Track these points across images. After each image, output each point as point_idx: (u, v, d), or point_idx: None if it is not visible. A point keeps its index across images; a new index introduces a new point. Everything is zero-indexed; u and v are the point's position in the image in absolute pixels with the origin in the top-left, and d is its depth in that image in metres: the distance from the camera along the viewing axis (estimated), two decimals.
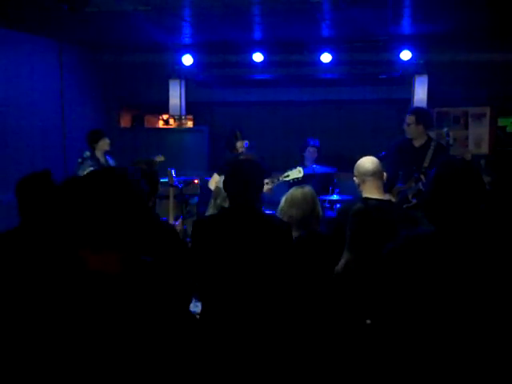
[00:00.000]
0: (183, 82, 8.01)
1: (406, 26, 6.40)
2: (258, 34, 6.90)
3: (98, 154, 6.25)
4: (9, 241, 2.56)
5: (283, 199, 3.32)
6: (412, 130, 5.26)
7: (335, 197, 6.07)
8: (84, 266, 1.62)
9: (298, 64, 7.47)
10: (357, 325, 2.66)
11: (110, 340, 1.59)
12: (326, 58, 7.15)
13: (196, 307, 4.54)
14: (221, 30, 6.40)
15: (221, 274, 2.69)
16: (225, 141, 6.01)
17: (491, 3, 5.20)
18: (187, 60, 7.53)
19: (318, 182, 6.13)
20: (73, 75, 7.26)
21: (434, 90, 7.24)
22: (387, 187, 3.60)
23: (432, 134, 5.56)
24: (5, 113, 6.01)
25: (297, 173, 5.25)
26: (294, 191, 3.30)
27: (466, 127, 7.30)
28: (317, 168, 6.15)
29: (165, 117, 7.97)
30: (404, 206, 5.00)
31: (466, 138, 7.31)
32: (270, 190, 5.27)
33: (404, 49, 7.03)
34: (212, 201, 4.83)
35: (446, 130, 5.39)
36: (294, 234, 2.89)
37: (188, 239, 6.09)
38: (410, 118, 5.28)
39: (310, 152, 6.52)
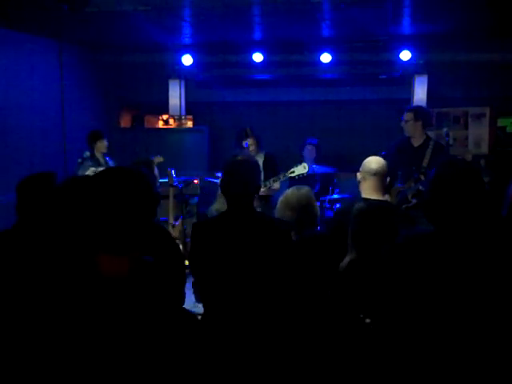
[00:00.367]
0: (183, 82, 8.01)
1: (406, 26, 6.40)
2: (257, 34, 6.90)
3: (98, 154, 6.26)
4: (7, 240, 2.55)
5: (279, 201, 3.31)
6: (410, 126, 5.24)
7: (335, 197, 6.08)
8: (96, 270, 1.60)
9: (298, 64, 7.47)
10: (357, 324, 2.66)
11: (118, 343, 1.58)
12: (325, 58, 7.16)
13: (196, 307, 4.55)
14: (221, 30, 6.40)
15: (221, 277, 2.69)
16: (234, 138, 5.99)
17: (491, 3, 5.20)
18: (187, 60, 7.53)
19: (318, 182, 6.13)
20: (73, 75, 7.26)
21: (434, 90, 7.24)
22: (386, 188, 3.61)
23: (432, 134, 5.56)
24: (5, 113, 6.01)
25: (302, 168, 5.25)
26: (289, 193, 3.26)
27: (466, 127, 7.30)
28: (317, 168, 6.15)
29: (165, 117, 7.97)
30: (404, 206, 5.00)
31: (466, 138, 7.31)
32: (278, 187, 5.29)
33: (404, 49, 7.03)
34: (220, 199, 4.83)
35: (445, 130, 5.38)
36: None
37: (188, 239, 6.12)
38: (408, 115, 5.26)
39: (308, 150, 6.51)
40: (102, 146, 6.26)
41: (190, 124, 7.98)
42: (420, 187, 4.92)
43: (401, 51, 7.04)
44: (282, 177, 5.22)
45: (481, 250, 1.99)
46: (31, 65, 6.47)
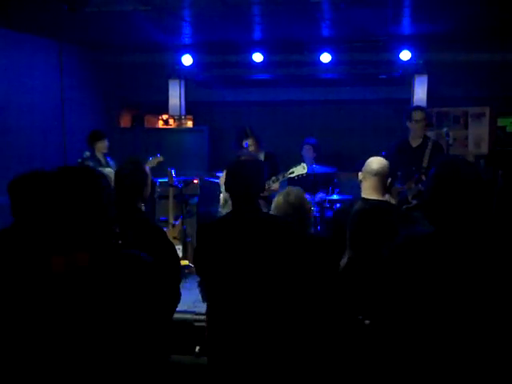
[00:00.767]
0: (183, 82, 8.01)
1: (406, 25, 6.40)
2: (257, 34, 6.90)
3: (98, 154, 6.26)
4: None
5: (272, 206, 3.29)
6: (421, 127, 5.22)
7: (335, 196, 6.08)
8: (50, 268, 1.62)
9: (297, 64, 7.46)
10: (356, 324, 2.66)
11: (76, 339, 1.60)
12: (325, 57, 7.15)
13: (195, 307, 4.55)
14: (221, 30, 6.40)
15: (227, 276, 2.69)
16: (234, 138, 5.99)
17: (491, 3, 5.20)
18: (187, 60, 7.53)
19: (318, 182, 6.13)
20: (73, 75, 7.26)
21: (434, 90, 7.24)
22: (387, 188, 3.61)
23: (432, 134, 5.56)
24: (5, 113, 6.01)
25: (301, 169, 5.24)
26: (278, 196, 3.26)
27: (466, 127, 7.30)
28: (317, 168, 6.15)
29: (165, 117, 7.97)
30: (404, 207, 5.00)
31: (466, 138, 7.31)
32: (277, 188, 5.28)
33: (404, 49, 7.03)
34: (223, 202, 4.84)
35: (445, 129, 5.38)
36: None
37: (188, 239, 6.13)
38: (419, 114, 5.21)
39: (306, 149, 6.51)
40: (102, 145, 6.26)
41: (189, 124, 7.98)
42: (420, 187, 4.92)
43: (401, 51, 7.04)
44: (281, 177, 5.21)
45: (481, 250, 1.99)
46: (31, 65, 6.47)
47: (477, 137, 7.28)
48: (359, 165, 3.55)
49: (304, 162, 6.52)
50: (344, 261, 2.85)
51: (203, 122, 7.99)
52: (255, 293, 2.64)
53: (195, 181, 6.46)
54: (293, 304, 2.71)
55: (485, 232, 2.03)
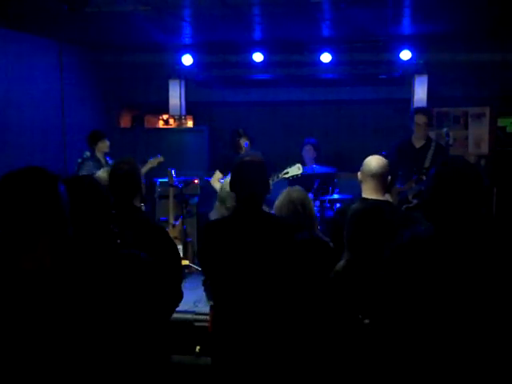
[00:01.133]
0: (183, 82, 8.01)
1: (406, 25, 6.40)
2: (258, 34, 6.89)
3: (98, 154, 6.26)
4: None
5: (274, 206, 3.28)
6: (423, 129, 5.23)
7: (335, 196, 6.07)
8: (16, 266, 1.62)
9: (298, 64, 7.46)
10: (356, 324, 2.66)
11: (45, 337, 1.60)
12: (326, 58, 7.15)
13: (196, 307, 4.55)
14: (221, 30, 6.40)
15: (232, 276, 2.70)
16: (228, 139, 6.01)
17: (491, 3, 5.20)
18: (187, 60, 7.53)
19: (317, 182, 6.13)
20: (73, 75, 7.26)
21: (434, 90, 7.24)
22: (387, 188, 3.60)
23: (432, 134, 5.56)
24: (5, 112, 6.02)
25: (296, 169, 5.21)
26: (281, 196, 3.25)
27: (466, 127, 7.30)
28: (317, 168, 6.15)
29: (165, 117, 7.97)
30: (404, 207, 5.00)
31: (466, 138, 7.31)
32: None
33: (404, 49, 7.03)
34: (218, 203, 4.80)
35: (445, 130, 5.38)
36: None
37: (188, 239, 6.12)
38: (422, 118, 5.23)
39: (306, 150, 6.52)
40: (103, 145, 6.26)
41: (190, 124, 7.98)
42: (421, 188, 4.92)
43: (401, 51, 7.04)
44: (275, 178, 5.17)
45: (481, 250, 1.98)
46: (31, 65, 6.47)
47: (477, 137, 7.28)
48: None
49: (304, 162, 6.55)
50: (343, 261, 2.85)
51: (203, 122, 7.99)
52: (260, 291, 2.65)
53: (195, 181, 6.45)
54: (296, 302, 2.72)
55: (485, 232, 2.03)
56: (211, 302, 3.09)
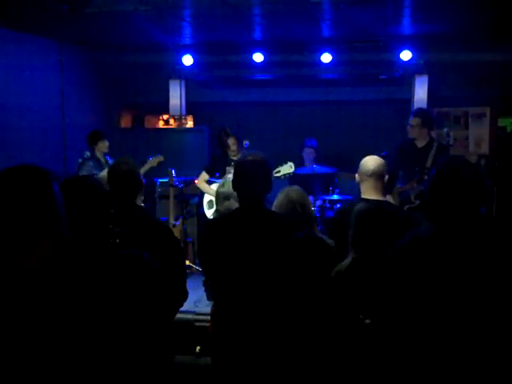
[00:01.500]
0: (183, 82, 8.01)
1: (406, 25, 6.40)
2: (258, 34, 6.90)
3: (98, 154, 6.26)
4: None
5: (273, 205, 3.27)
6: (416, 132, 5.24)
7: (335, 197, 6.07)
8: (12, 265, 1.61)
9: (298, 64, 7.47)
10: (357, 324, 2.66)
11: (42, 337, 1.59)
12: (326, 58, 7.15)
13: (196, 307, 4.55)
14: (221, 30, 6.40)
15: (234, 275, 2.70)
16: (216, 138, 6.01)
17: (491, 3, 5.20)
18: (187, 60, 7.53)
19: (318, 182, 6.13)
20: (73, 75, 7.26)
21: (434, 90, 7.24)
22: (388, 188, 3.59)
23: (432, 134, 5.56)
24: (5, 113, 6.01)
25: (288, 168, 5.20)
26: (279, 195, 3.24)
27: (467, 127, 7.29)
28: (317, 168, 6.15)
29: (165, 117, 7.97)
30: (406, 207, 5.00)
31: (466, 138, 7.30)
32: None
33: (404, 49, 7.03)
34: (207, 204, 4.78)
35: (446, 130, 5.38)
36: None
37: (189, 239, 6.12)
38: (415, 120, 5.24)
39: (307, 153, 6.53)
40: (103, 146, 6.26)
41: (190, 124, 7.98)
42: (423, 188, 4.91)
43: (401, 51, 7.04)
44: None
45: (481, 250, 1.98)
46: (31, 65, 6.47)
47: (477, 137, 7.27)
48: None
49: (304, 162, 6.56)
50: (347, 262, 2.85)
51: (203, 122, 7.99)
52: (261, 290, 2.65)
53: (195, 181, 6.46)
54: (297, 301, 2.72)
55: (485, 232, 2.02)
56: (211, 302, 3.09)
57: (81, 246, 1.81)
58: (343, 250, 2.95)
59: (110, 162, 6.32)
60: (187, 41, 7.30)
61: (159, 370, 1.83)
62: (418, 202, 5.02)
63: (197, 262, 5.83)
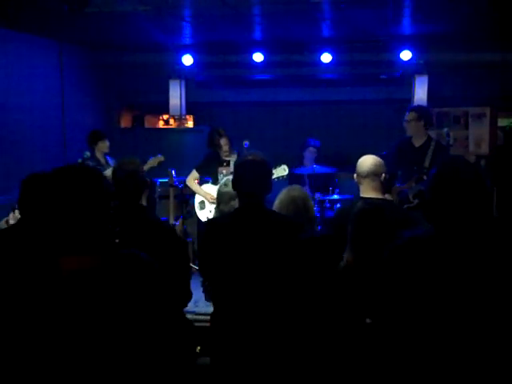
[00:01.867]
0: (183, 82, 8.01)
1: (406, 25, 6.40)
2: (258, 34, 6.90)
3: (98, 154, 6.26)
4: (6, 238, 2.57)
5: (274, 205, 3.26)
6: (412, 126, 5.23)
7: (335, 197, 6.07)
8: (58, 268, 1.61)
9: (298, 64, 7.47)
10: (357, 324, 2.66)
11: (86, 337, 1.59)
12: (326, 58, 7.16)
13: (196, 307, 4.55)
14: (221, 30, 6.40)
15: (233, 275, 2.69)
16: (207, 138, 6.00)
17: (491, 3, 5.20)
18: (187, 60, 7.53)
19: (318, 182, 6.13)
20: (73, 75, 7.26)
21: (434, 90, 7.24)
22: (386, 187, 3.59)
23: (432, 134, 5.56)
24: (5, 113, 6.01)
25: (282, 171, 5.20)
26: (281, 195, 3.24)
27: (466, 127, 7.28)
28: (317, 168, 6.15)
29: (165, 117, 7.97)
30: (405, 206, 5.00)
31: (466, 138, 7.29)
32: None
33: (404, 49, 7.03)
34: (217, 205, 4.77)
35: (446, 130, 5.38)
36: None
37: (189, 239, 6.12)
38: (410, 115, 5.25)
39: (311, 152, 6.52)
40: (104, 146, 6.26)
41: (190, 124, 7.98)
42: (421, 187, 4.92)
43: (401, 51, 7.04)
44: None
45: (481, 250, 1.98)
46: (31, 65, 6.46)
47: (477, 137, 7.26)
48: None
49: (304, 162, 6.55)
50: (343, 261, 2.85)
51: (203, 122, 7.99)
52: (260, 290, 2.64)
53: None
54: (298, 302, 2.72)
55: (485, 232, 2.02)
56: (210, 303, 3.09)
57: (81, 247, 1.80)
58: (343, 250, 2.95)
59: (110, 162, 6.33)
60: (187, 41, 7.30)
61: (177, 370, 1.83)
62: (416, 201, 5.02)
63: (196, 262, 5.82)
